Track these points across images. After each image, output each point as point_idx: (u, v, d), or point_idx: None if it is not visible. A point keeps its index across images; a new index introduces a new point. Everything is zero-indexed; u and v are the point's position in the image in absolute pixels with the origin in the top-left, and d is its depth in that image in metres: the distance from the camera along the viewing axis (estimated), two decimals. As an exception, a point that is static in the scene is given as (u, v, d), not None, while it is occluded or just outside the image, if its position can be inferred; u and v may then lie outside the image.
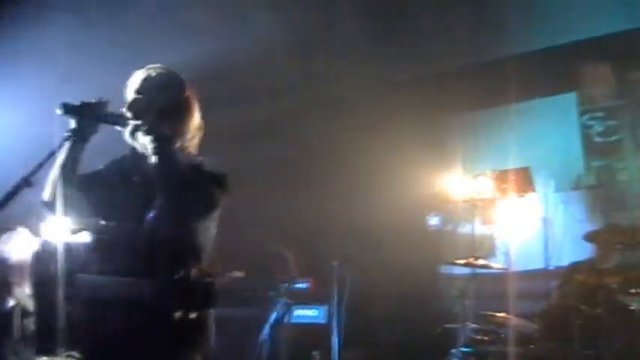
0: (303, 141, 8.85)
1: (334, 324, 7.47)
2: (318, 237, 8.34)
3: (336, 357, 7.39)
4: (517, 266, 6.95)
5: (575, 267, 6.71)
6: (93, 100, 3.47)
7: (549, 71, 8.43)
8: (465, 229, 8.52)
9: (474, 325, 6.62)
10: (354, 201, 8.42)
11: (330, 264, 7.51)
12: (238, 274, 7.38)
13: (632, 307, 6.10)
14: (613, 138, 8.77)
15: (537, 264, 7.82)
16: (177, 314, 3.37)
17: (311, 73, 8.53)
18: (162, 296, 3.35)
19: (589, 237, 6.76)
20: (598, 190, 7.62)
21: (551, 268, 7.66)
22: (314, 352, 7.51)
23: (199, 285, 3.47)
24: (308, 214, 8.47)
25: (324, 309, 7.83)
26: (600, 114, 8.88)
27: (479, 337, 6.65)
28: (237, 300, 7.04)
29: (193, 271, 3.46)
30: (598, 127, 8.85)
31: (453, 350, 6.56)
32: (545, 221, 8.07)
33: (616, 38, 8.24)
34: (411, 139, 8.27)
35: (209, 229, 3.58)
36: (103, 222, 3.54)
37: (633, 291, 6.14)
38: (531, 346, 6.36)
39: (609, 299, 6.28)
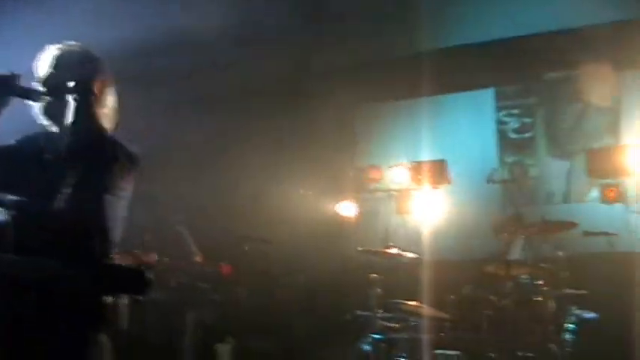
0: (216, 125, 8.75)
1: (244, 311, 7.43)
2: (229, 221, 8.26)
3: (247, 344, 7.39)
4: (430, 256, 7.03)
5: (485, 259, 6.84)
6: (5, 73, 3.35)
7: (468, 67, 8.56)
8: (379, 218, 8.62)
9: (385, 313, 6.67)
10: (265, 187, 8.38)
11: (243, 249, 7.46)
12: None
13: (539, 299, 6.26)
14: (527, 135, 9.00)
15: (450, 255, 7.96)
16: (87, 295, 3.29)
17: (224, 59, 8.44)
18: (71, 276, 3.26)
19: (497, 229, 6.90)
20: (510, 184, 7.79)
21: (462, 259, 7.81)
22: (226, 339, 7.46)
23: (127, 270, 3.41)
24: (219, 197, 8.40)
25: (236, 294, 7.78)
26: (516, 111, 9.10)
27: (390, 325, 6.71)
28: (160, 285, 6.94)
29: (128, 258, 3.39)
30: (513, 124, 9.07)
31: (363, 337, 6.61)
32: (459, 213, 8.21)
33: (535, 39, 8.44)
34: (326, 128, 8.29)
35: (121, 208, 3.50)
36: (11, 197, 3.42)
37: (540, 282, 6.30)
38: (442, 335, 6.46)
39: (517, 291, 6.45)
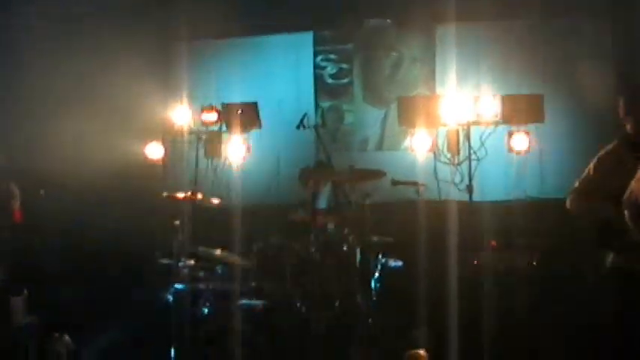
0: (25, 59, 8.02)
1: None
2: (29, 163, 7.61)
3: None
4: (237, 202, 6.74)
5: (293, 205, 6.63)
6: None
7: (286, 7, 8.28)
8: (187, 162, 8.24)
9: (189, 262, 6.32)
10: (70, 128, 7.76)
11: (39, 192, 6.85)
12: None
13: (345, 248, 6.12)
14: (343, 81, 8.88)
15: (258, 201, 7.72)
16: None
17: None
18: None
19: (306, 176, 6.72)
20: (323, 130, 7.61)
21: (270, 205, 7.59)
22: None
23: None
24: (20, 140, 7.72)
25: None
26: (333, 56, 8.94)
27: (194, 274, 6.37)
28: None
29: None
30: (330, 69, 8.91)
31: (166, 286, 6.24)
32: (269, 158, 7.99)
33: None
34: (136, 67, 7.74)
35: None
36: None
37: (347, 231, 6.16)
38: (246, 284, 6.22)
39: (323, 239, 6.28)
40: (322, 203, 6.70)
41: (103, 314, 6.73)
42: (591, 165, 4.71)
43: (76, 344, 5.89)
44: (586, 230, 5.07)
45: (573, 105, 7.63)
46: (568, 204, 4.80)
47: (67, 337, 6.01)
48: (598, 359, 5.50)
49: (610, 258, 4.65)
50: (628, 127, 4.60)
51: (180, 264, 6.19)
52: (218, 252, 6.17)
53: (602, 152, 4.68)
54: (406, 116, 7.84)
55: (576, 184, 4.78)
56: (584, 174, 4.74)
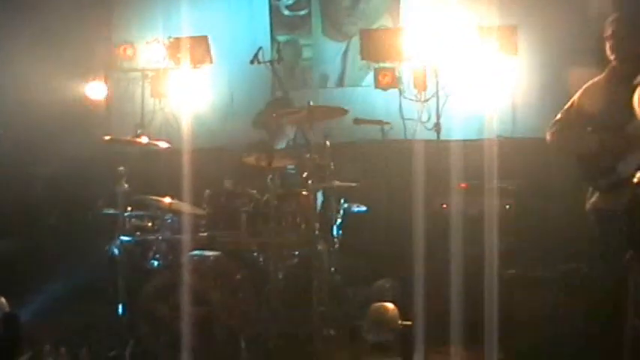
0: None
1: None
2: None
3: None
4: (187, 145, 6.24)
5: (247, 147, 6.15)
6: None
7: None
8: (132, 101, 7.70)
9: (135, 211, 5.84)
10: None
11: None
12: None
13: (305, 192, 5.68)
14: (301, 12, 8.32)
15: (209, 143, 7.23)
16: None
17: None
18: None
19: (261, 115, 6.26)
20: (279, 65, 7.07)
21: (222, 148, 7.11)
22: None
23: None
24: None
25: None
26: (288, -16, 8.36)
27: (142, 224, 5.90)
28: None
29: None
30: (286, 0, 8.33)
31: (111, 239, 5.77)
32: (222, 97, 7.50)
33: None
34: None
35: None
36: None
37: (306, 174, 5.70)
38: (199, 234, 5.78)
39: (281, 184, 5.86)
40: (279, 144, 6.25)
41: (42, 270, 6.30)
42: (575, 96, 4.45)
43: (12, 304, 5.44)
44: (567, 168, 4.78)
45: (549, 38, 7.18)
46: (549, 136, 4.54)
47: (1, 298, 5.58)
48: (574, 310, 5.22)
49: (593, 198, 4.38)
50: (613, 58, 4.35)
51: (126, 214, 5.74)
52: (167, 200, 5.71)
53: (588, 83, 4.42)
54: (369, 50, 7.41)
55: (558, 116, 4.50)
56: (567, 105, 4.51)
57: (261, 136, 6.34)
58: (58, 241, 6.86)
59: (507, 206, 6.25)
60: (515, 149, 6.52)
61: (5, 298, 5.27)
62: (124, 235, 5.65)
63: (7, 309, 5.39)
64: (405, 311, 5.15)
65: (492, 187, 5.93)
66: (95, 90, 7.61)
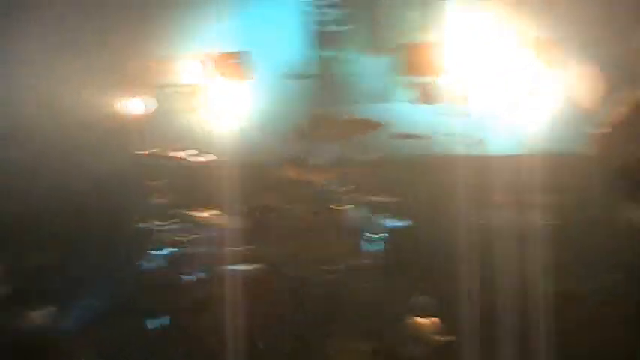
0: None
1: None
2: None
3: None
4: (226, 160, 6.24)
5: (284, 161, 6.13)
6: None
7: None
8: (171, 116, 7.73)
9: (172, 225, 5.86)
10: (44, 81, 7.23)
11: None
12: None
13: (340, 208, 5.64)
14: (341, 28, 8.30)
15: (248, 158, 7.19)
16: None
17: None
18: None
19: (300, 130, 6.23)
20: (319, 81, 7.06)
21: (262, 163, 7.06)
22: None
23: None
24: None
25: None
26: (331, 2, 8.34)
27: (178, 238, 5.92)
28: None
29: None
30: (327, 16, 8.33)
31: (146, 252, 5.80)
32: (261, 112, 7.49)
33: None
34: (114, 15, 7.20)
35: None
36: None
37: (342, 189, 5.66)
38: (236, 248, 5.77)
39: (319, 198, 5.83)
40: (317, 159, 6.22)
41: (79, 283, 6.31)
42: (622, 110, 4.30)
43: (50, 316, 5.48)
44: (608, 182, 4.66)
45: (590, 52, 7.04)
46: (593, 151, 4.39)
47: (39, 309, 5.61)
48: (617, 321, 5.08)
49: (635, 212, 4.25)
50: None
51: (162, 227, 5.77)
52: (204, 214, 5.72)
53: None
54: (409, 65, 7.33)
55: (604, 131, 4.37)
56: (613, 119, 4.35)
57: (300, 151, 6.30)
58: (94, 255, 6.88)
59: (548, 221, 6.11)
60: (556, 164, 6.37)
61: (43, 308, 5.32)
62: (159, 249, 5.68)
63: (44, 318, 5.46)
64: (445, 326, 5.06)
65: (534, 202, 5.80)
66: (134, 105, 7.65)
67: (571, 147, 6.71)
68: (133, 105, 7.60)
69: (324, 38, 8.30)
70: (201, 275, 5.71)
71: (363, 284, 5.70)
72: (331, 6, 8.31)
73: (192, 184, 6.36)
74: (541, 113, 6.93)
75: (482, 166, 6.57)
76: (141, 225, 5.97)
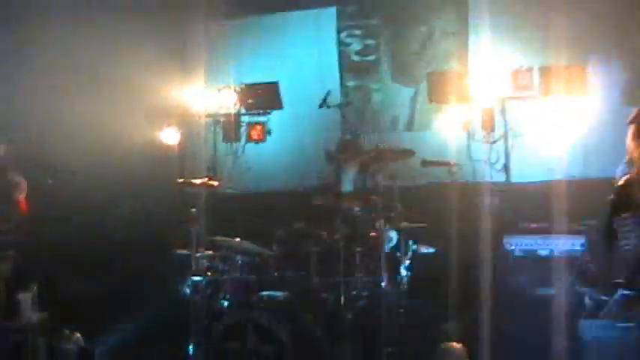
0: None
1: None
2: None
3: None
4: (258, 187, 6.37)
5: (316, 189, 6.22)
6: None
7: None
8: (204, 146, 7.87)
9: (206, 252, 5.96)
10: (83, 111, 7.41)
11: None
12: None
13: (373, 234, 5.71)
14: (370, 58, 8.43)
15: (280, 186, 7.34)
16: None
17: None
18: None
19: (331, 157, 6.31)
20: (348, 109, 7.17)
21: (293, 190, 7.19)
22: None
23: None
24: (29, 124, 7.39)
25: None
26: (358, 32, 8.49)
27: (212, 265, 6.01)
28: None
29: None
30: (355, 46, 8.46)
31: (183, 279, 5.89)
32: (292, 140, 7.62)
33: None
34: (148, 47, 7.38)
35: None
36: None
37: (374, 215, 5.73)
38: (268, 274, 5.86)
39: (350, 224, 5.89)
40: (348, 186, 6.29)
41: (116, 309, 6.43)
42: None
43: (88, 341, 5.60)
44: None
45: (620, 76, 7.08)
46: (621, 180, 4.31)
47: (77, 334, 5.72)
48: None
49: None
50: None
51: (198, 254, 5.86)
52: (237, 241, 5.81)
53: None
54: (437, 92, 7.44)
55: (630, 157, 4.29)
56: None
57: (331, 179, 6.38)
58: (131, 282, 7.00)
59: (576, 247, 6.12)
60: (585, 190, 6.39)
61: (80, 333, 5.43)
62: (195, 275, 5.77)
63: (82, 344, 5.56)
64: (473, 352, 5.10)
65: (562, 229, 5.83)
66: (169, 135, 7.81)
67: (600, 172, 6.74)
68: (168, 134, 7.77)
69: (351, 68, 8.44)
70: (235, 301, 5.77)
71: (396, 309, 5.73)
72: (360, 36, 8.45)
73: (225, 212, 6.47)
74: (569, 139, 6.99)
75: (510, 191, 6.64)
76: (178, 251, 6.06)
